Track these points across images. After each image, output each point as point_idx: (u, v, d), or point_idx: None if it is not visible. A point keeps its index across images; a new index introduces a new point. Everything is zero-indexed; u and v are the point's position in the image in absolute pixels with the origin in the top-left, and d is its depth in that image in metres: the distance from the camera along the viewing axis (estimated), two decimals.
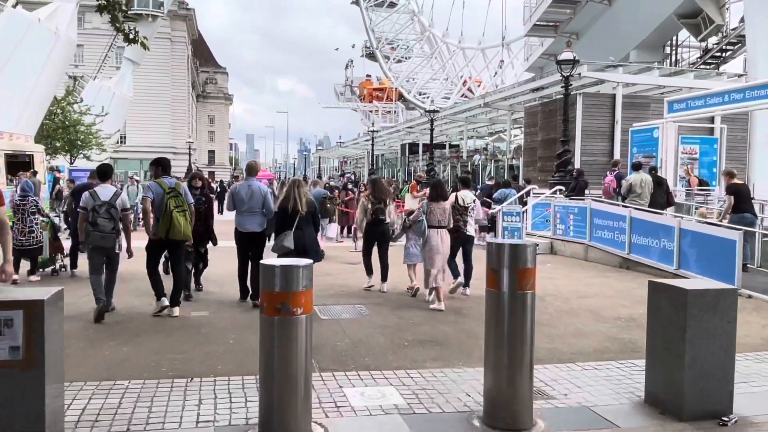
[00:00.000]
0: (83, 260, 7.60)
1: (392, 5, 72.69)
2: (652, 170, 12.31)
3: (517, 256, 3.77)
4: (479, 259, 6.67)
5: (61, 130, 29.97)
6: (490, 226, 14.59)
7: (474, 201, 8.32)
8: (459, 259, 8.30)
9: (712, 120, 16.92)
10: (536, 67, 29.91)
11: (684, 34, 28.16)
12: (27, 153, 16.88)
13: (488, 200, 15.85)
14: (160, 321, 6.51)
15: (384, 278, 8.38)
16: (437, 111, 26.61)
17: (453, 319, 6.96)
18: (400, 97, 66.62)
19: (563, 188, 13.96)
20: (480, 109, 27.41)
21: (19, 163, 16.66)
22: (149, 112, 56.65)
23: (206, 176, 16.63)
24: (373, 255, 8.59)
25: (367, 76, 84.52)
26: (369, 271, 8.54)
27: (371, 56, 75.29)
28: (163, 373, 4.70)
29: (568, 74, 16.08)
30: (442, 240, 7.49)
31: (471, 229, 8.25)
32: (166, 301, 6.60)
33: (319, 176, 47.02)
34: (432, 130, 26.17)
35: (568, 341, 5.99)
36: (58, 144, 30.43)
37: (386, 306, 7.50)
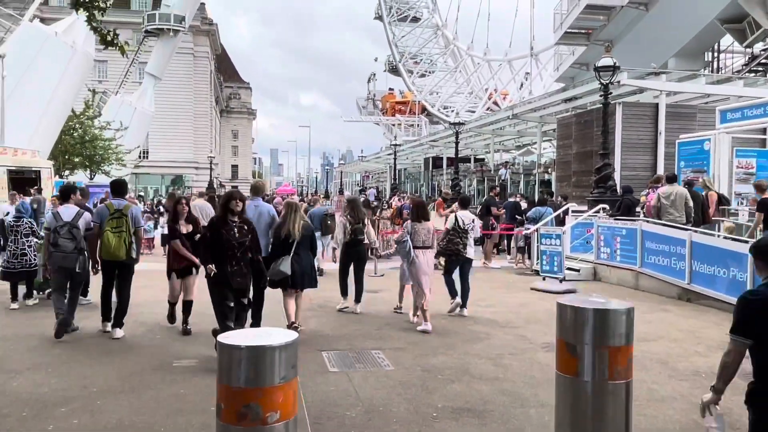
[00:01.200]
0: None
1: (416, 20, 72.11)
2: (687, 184, 11.01)
3: (606, 326, 2.51)
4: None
5: (79, 146, 29.52)
6: (524, 247, 13.25)
7: (473, 221, 8.30)
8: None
9: (764, 131, 15.36)
10: (566, 77, 28.50)
11: (726, 40, 26.52)
12: (33, 169, 16.12)
13: (519, 218, 14.57)
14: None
15: (357, 299, 8.27)
16: (463, 123, 25.36)
17: (485, 367, 5.69)
18: (423, 110, 65.54)
19: (607, 206, 12.55)
20: (508, 121, 26.09)
21: (25, 180, 15.92)
22: (171, 127, 56.50)
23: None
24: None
25: (390, 89, 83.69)
26: (344, 291, 8.38)
27: (394, 71, 74.64)
28: None
29: (608, 81, 14.70)
30: (427, 261, 7.48)
31: (471, 251, 8.19)
32: (108, 326, 6.79)
33: (341, 191, 46.03)
34: (457, 143, 24.92)
35: (644, 411, 4.64)
36: (76, 159, 30.01)
37: (408, 352, 6.24)
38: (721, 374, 2.83)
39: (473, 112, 49.61)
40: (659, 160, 17.25)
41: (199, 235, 6.83)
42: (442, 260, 8.12)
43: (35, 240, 8.62)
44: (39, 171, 16.32)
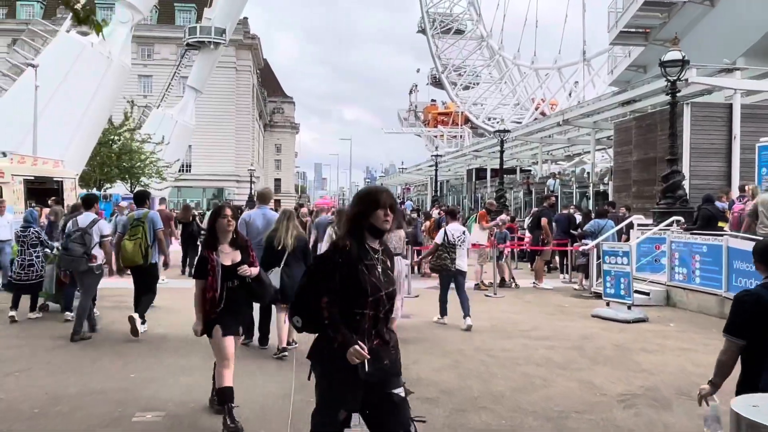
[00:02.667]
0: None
1: (459, 32, 70.85)
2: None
3: None
4: None
5: (116, 158, 29.34)
6: (585, 265, 11.54)
7: (464, 233, 8.25)
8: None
9: None
10: (621, 81, 26.43)
11: None
12: (55, 179, 15.44)
13: (573, 233, 12.84)
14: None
15: None
16: (508, 131, 23.68)
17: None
18: (467, 121, 63.88)
19: (682, 219, 10.75)
20: (557, 128, 24.25)
21: (46, 190, 15.27)
22: (213, 140, 56.71)
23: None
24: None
25: (432, 101, 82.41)
26: None
27: (437, 84, 73.53)
28: None
29: (676, 78, 12.90)
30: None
31: (463, 263, 8.10)
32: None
33: None
34: (502, 152, 23.22)
35: None
36: (113, 172, 29.83)
37: (440, 405, 4.78)
38: (718, 371, 2.98)
39: (519, 123, 47.78)
40: (734, 166, 15.22)
41: (251, 271, 4.28)
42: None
43: (47, 251, 8.34)
44: (61, 181, 15.64)
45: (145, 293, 7.16)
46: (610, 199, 18.32)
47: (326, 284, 2.71)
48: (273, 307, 6.29)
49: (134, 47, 51.31)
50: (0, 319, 7.86)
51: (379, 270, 2.78)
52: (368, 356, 2.62)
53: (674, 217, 10.87)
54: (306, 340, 6.97)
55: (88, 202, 7.51)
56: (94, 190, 23.50)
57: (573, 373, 5.84)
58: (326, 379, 2.73)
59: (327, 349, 2.71)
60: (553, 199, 13.03)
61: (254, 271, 4.31)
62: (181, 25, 52.47)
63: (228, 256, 4.26)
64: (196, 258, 5.02)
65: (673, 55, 12.72)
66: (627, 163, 17.79)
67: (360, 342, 2.63)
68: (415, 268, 13.26)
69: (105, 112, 25.77)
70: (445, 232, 8.01)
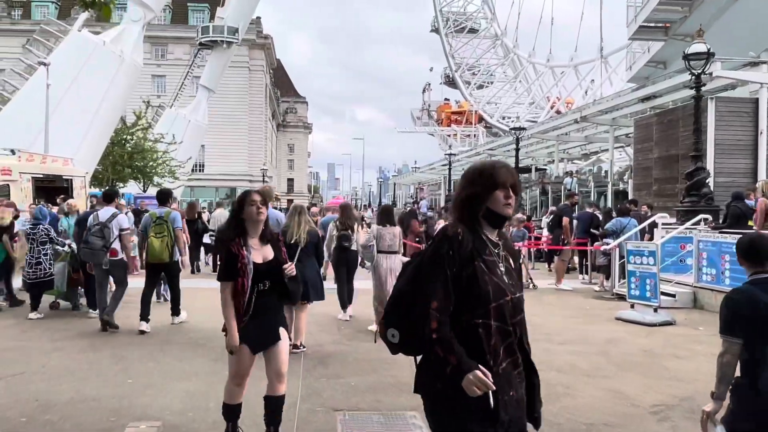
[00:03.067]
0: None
1: (473, 31, 70.25)
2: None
3: None
4: None
5: (128, 157, 29.29)
6: (606, 266, 11.08)
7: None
8: None
9: None
10: (640, 77, 25.73)
11: None
12: (64, 177, 15.27)
13: (594, 232, 12.37)
14: None
15: (349, 301, 8.19)
16: (524, 128, 23.21)
17: None
18: (480, 120, 63.28)
19: (710, 217, 10.26)
20: (574, 126, 23.71)
21: (55, 188, 15.10)
22: (226, 140, 56.68)
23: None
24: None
25: (445, 99, 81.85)
26: (343, 304, 8.11)
27: (451, 83, 73.05)
28: None
29: (700, 71, 12.39)
30: (390, 266, 7.24)
31: None
32: (143, 326, 6.96)
33: (379, 203, 44.57)
34: (517, 150, 22.78)
35: None
36: (126, 171, 29.77)
37: None
38: (721, 377, 2.76)
39: (535, 122, 47.20)
40: (760, 163, 14.67)
41: (288, 269, 3.56)
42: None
43: (58, 248, 8.37)
44: (71, 179, 15.47)
45: (171, 290, 7.59)
46: (630, 197, 17.79)
47: (435, 285, 1.98)
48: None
49: (148, 47, 51.51)
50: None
51: (502, 269, 2.09)
52: (493, 387, 1.92)
53: (702, 216, 10.37)
54: (313, 343, 6.64)
55: (108, 197, 7.76)
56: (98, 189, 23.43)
57: (600, 380, 5.44)
58: (455, 419, 1.96)
59: (440, 376, 1.96)
60: (577, 197, 12.52)
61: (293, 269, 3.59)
62: (195, 25, 52.51)
63: (258, 252, 3.47)
64: (218, 256, 4.69)
65: (698, 47, 12.22)
66: (648, 161, 17.25)
67: (480, 366, 1.93)
68: None
69: (117, 110, 25.70)
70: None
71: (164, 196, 7.70)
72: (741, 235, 3.29)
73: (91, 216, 7.43)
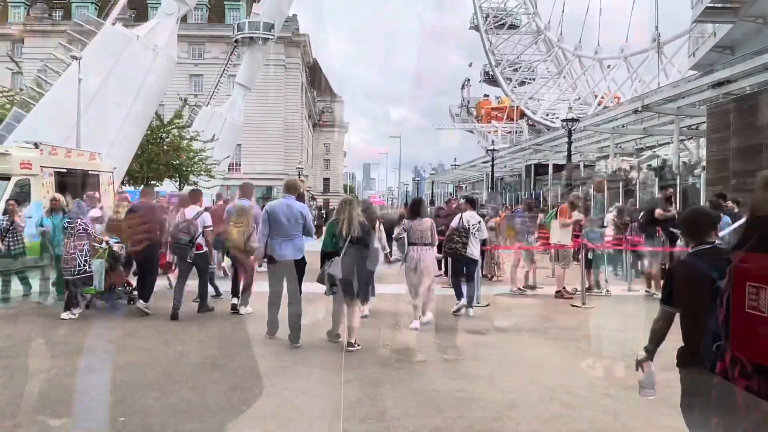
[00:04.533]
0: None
1: (513, 27, 68.21)
2: None
3: None
4: None
5: (163, 154, 28.82)
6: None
7: (479, 222, 8.16)
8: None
9: None
10: (704, 64, 23.69)
11: None
12: (90, 172, 14.48)
13: (674, 231, 10.76)
14: None
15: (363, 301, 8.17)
16: (577, 120, 21.55)
17: None
18: (522, 115, 61.20)
19: None
20: (632, 117, 21.92)
21: (82, 183, 14.31)
22: (263, 139, 56.29)
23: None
24: None
25: (485, 95, 79.83)
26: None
27: (491, 81, 71.14)
28: None
29: None
30: (422, 257, 7.33)
31: (475, 251, 8.06)
32: (234, 299, 7.95)
33: (432, 201, 43.14)
34: (570, 143, 21.15)
35: None
36: (161, 169, 29.32)
37: None
38: (651, 338, 3.00)
39: (579, 120, 45.07)
40: None
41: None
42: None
43: (96, 244, 8.06)
44: (98, 174, 14.67)
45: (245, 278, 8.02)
46: (702, 192, 16.01)
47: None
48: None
49: (185, 47, 51.53)
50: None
51: None
52: None
53: None
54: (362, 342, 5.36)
55: (194, 197, 8.41)
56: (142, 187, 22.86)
57: None
58: None
59: None
60: (671, 191, 11.01)
61: None
62: (231, 24, 52.28)
63: None
64: None
65: None
66: (724, 152, 15.46)
67: None
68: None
69: (152, 105, 25.12)
70: (461, 218, 8.03)
71: (246, 190, 8.50)
72: (684, 212, 3.19)
73: (179, 214, 8.25)
